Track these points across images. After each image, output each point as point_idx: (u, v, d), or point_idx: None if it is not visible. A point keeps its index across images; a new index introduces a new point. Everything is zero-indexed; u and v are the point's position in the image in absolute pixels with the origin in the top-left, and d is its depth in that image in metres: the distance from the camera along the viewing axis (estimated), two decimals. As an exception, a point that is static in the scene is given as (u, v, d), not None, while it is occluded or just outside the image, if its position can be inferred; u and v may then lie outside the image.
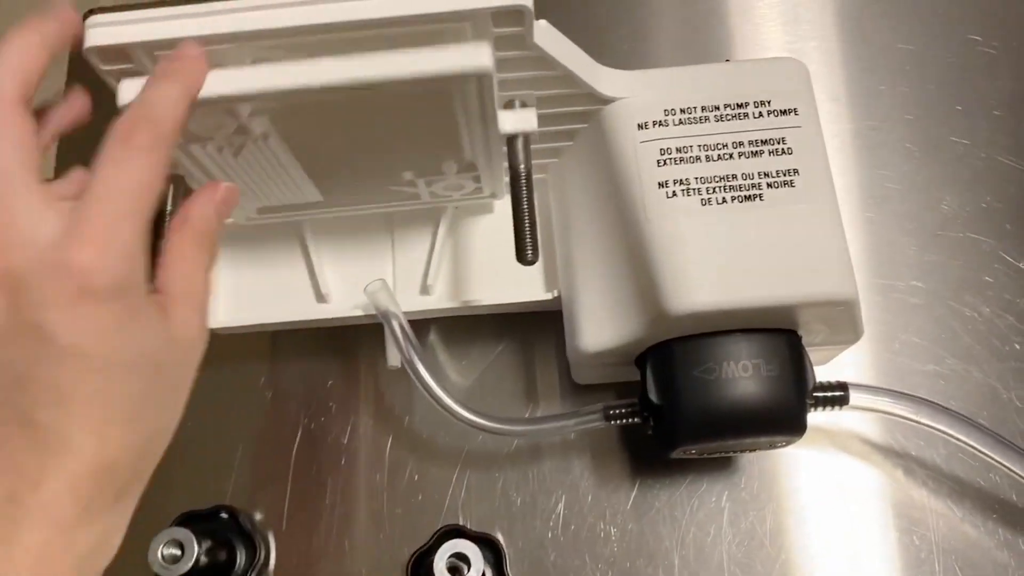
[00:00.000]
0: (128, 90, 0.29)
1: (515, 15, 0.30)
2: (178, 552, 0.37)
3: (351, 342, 0.44)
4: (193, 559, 0.36)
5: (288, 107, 0.31)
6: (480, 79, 0.30)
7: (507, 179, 0.38)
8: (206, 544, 0.37)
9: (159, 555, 0.36)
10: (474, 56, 0.29)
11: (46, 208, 0.25)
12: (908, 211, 0.45)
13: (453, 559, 0.36)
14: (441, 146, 0.35)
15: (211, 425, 0.43)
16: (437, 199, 0.40)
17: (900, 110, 0.48)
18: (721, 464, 0.42)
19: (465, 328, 0.44)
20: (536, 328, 0.44)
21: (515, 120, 0.33)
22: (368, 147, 0.34)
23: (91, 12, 0.30)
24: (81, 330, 0.24)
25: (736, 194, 0.33)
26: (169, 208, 0.34)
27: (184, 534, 0.36)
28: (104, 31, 0.30)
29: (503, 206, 0.42)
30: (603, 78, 0.35)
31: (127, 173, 0.25)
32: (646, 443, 0.42)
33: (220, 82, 0.29)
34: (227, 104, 0.30)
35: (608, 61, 0.35)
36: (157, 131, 0.26)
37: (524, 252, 0.33)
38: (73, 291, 0.24)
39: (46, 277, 0.24)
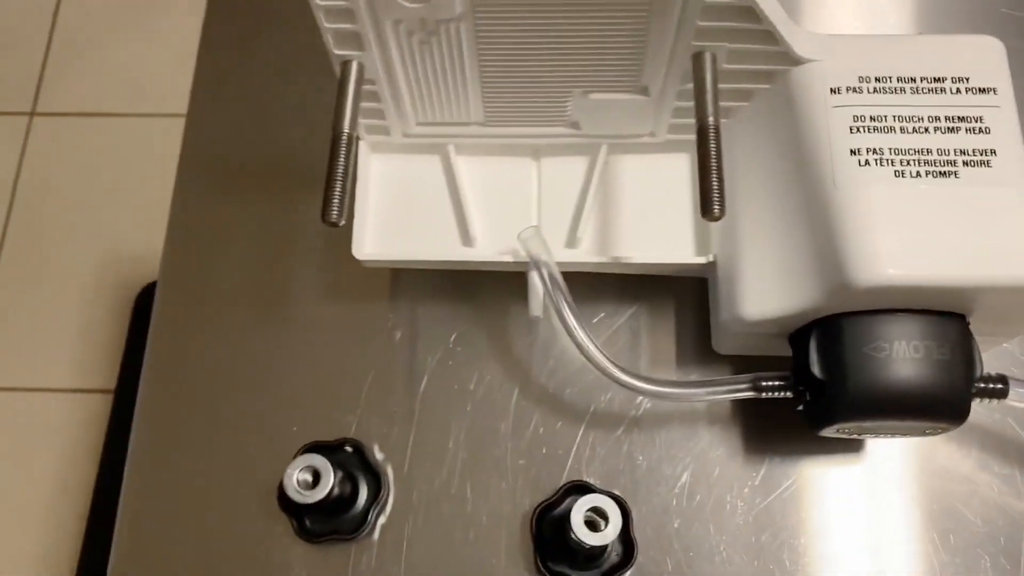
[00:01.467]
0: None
1: (736, -41, 0.29)
2: (310, 478, 0.36)
3: (481, 287, 0.43)
4: (328, 487, 0.36)
5: None
6: None
7: (674, 121, 0.38)
8: (338, 475, 0.37)
9: (294, 480, 0.36)
10: None
11: None
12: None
13: (591, 513, 0.36)
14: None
15: (338, 359, 0.43)
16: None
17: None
18: (850, 446, 0.41)
19: (595, 287, 0.43)
20: (657, 294, 0.43)
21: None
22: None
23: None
24: None
25: (931, 169, 0.32)
26: (347, 131, 0.33)
27: (321, 461, 0.36)
28: None
29: (656, 162, 0.41)
30: (799, 38, 0.34)
31: None
32: (773, 419, 0.41)
33: None
34: None
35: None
36: None
37: (711, 206, 0.32)
38: None
39: None
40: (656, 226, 0.40)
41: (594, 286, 0.43)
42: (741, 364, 0.42)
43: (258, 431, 0.42)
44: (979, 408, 0.41)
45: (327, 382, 0.42)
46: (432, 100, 0.37)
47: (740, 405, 0.42)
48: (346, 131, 0.33)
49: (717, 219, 0.32)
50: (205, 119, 0.48)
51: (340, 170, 0.32)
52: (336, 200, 0.32)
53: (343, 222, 0.32)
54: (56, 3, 1.37)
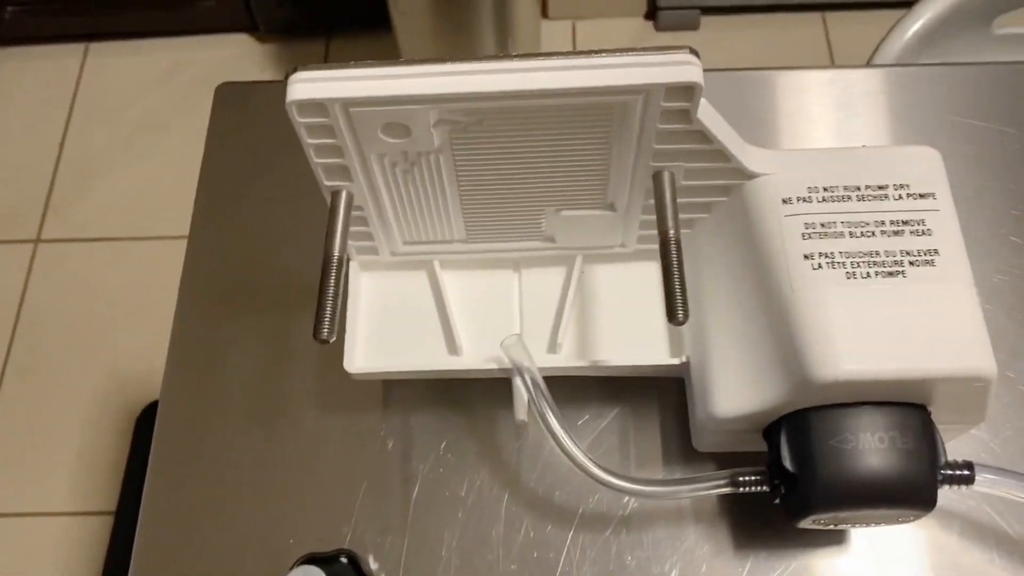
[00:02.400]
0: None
1: (686, 90, 0.32)
2: (307, 591, 0.37)
3: (468, 395, 0.45)
4: (324, 598, 0.37)
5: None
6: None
7: (642, 232, 0.41)
8: (333, 585, 0.38)
9: (291, 592, 0.37)
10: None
11: None
12: (1017, 302, 0.47)
13: (580, 614, 0.37)
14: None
15: (333, 470, 0.44)
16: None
17: (1008, 206, 0.49)
18: (833, 538, 0.42)
19: (576, 391, 0.45)
20: (640, 394, 0.45)
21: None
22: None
23: (295, 69, 0.33)
24: None
25: (880, 269, 0.35)
26: (336, 254, 0.36)
27: (317, 573, 0.37)
28: (305, 87, 0.32)
29: (628, 271, 0.43)
30: (750, 155, 0.37)
31: None
32: (757, 514, 0.42)
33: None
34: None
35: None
36: None
37: (676, 312, 0.34)
38: None
39: None
40: (632, 330, 0.42)
41: (578, 388, 0.45)
42: (727, 460, 0.43)
43: (256, 545, 0.43)
44: (954, 495, 0.42)
45: (323, 493, 0.43)
46: (416, 222, 0.40)
47: (724, 500, 0.43)
48: (336, 255, 0.35)
49: (681, 323, 0.34)
50: (205, 242, 0.51)
51: (331, 291, 0.35)
52: (327, 319, 0.34)
53: (333, 338, 0.35)
54: (63, 134, 1.43)
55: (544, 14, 1.54)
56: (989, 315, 0.46)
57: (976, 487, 0.37)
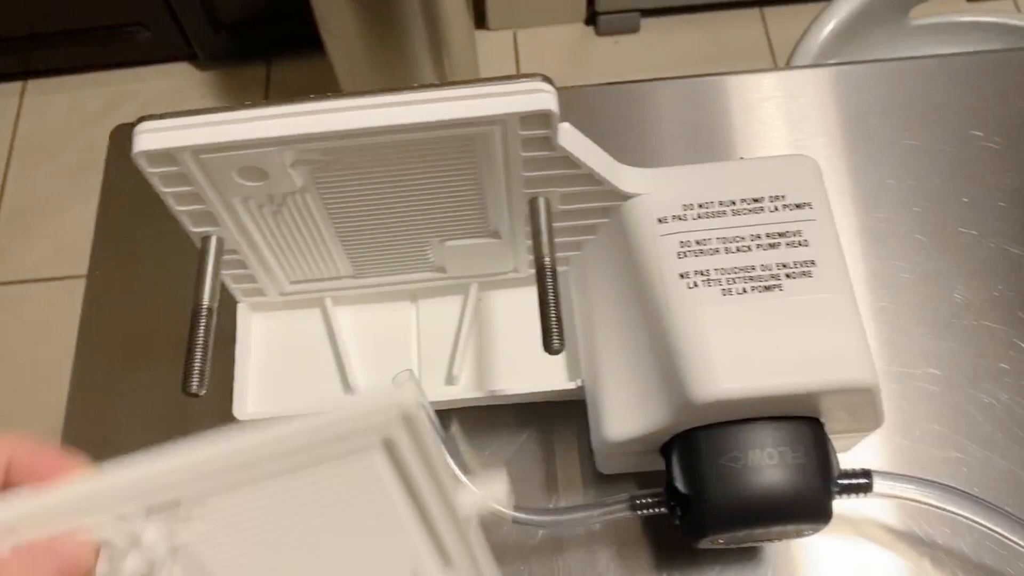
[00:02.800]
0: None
1: (542, 118, 0.32)
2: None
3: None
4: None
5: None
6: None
7: (531, 263, 0.40)
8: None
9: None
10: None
11: None
12: (921, 300, 0.46)
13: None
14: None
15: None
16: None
17: (909, 203, 0.49)
18: (747, 554, 0.41)
19: (487, 418, 0.44)
20: (557, 417, 0.44)
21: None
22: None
23: (141, 119, 0.32)
24: None
25: (756, 284, 0.34)
26: (206, 304, 0.35)
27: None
28: (151, 137, 0.31)
29: (524, 295, 0.43)
30: (623, 175, 0.36)
31: None
32: (671, 533, 0.41)
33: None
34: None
35: (622, 160, 0.37)
36: None
37: (551, 341, 0.34)
38: None
39: None
40: (529, 356, 0.41)
41: (487, 416, 0.44)
42: (652, 479, 0.43)
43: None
44: (881, 511, 0.42)
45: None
46: (298, 261, 0.40)
47: (635, 522, 0.42)
48: (205, 304, 0.35)
49: (557, 352, 0.34)
50: (104, 287, 0.50)
51: (199, 342, 0.34)
52: (196, 371, 0.34)
53: (203, 392, 0.34)
54: (3, 174, 1.41)
55: (484, 25, 1.53)
56: (891, 314, 0.46)
57: (876, 494, 0.37)
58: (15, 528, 0.23)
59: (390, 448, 0.25)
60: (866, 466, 0.37)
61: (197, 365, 0.34)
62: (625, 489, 0.43)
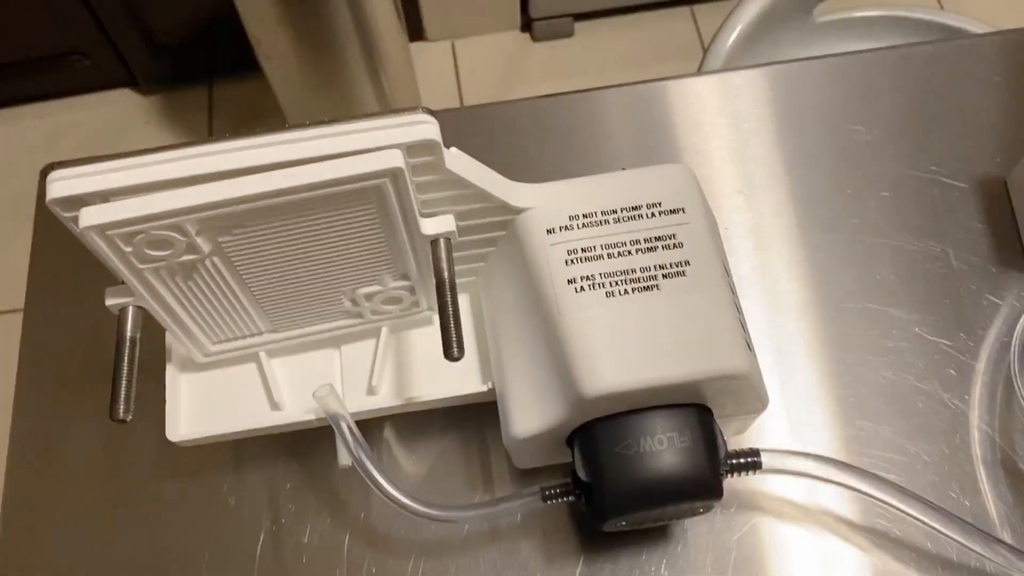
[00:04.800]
0: (89, 216, 0.32)
1: (426, 147, 0.35)
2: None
3: (308, 444, 0.47)
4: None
5: (226, 225, 0.34)
6: (396, 178, 0.34)
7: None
8: (174, 648, 0.39)
9: (129, 661, 0.38)
10: (387, 159, 0.33)
11: None
12: (813, 287, 0.50)
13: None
14: (372, 256, 0.39)
15: (178, 534, 0.45)
16: (379, 315, 0.43)
17: (798, 197, 0.53)
18: (658, 533, 0.44)
19: (417, 423, 0.47)
20: (482, 418, 0.47)
21: (435, 225, 0.38)
22: (305, 261, 0.38)
23: (51, 166, 0.34)
24: None
25: (636, 285, 0.37)
26: (130, 334, 0.37)
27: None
28: (64, 184, 0.33)
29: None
30: (514, 192, 0.39)
31: None
32: (587, 518, 0.45)
33: (162, 200, 0.33)
34: (171, 219, 0.33)
35: (556, 173, 0.40)
36: None
37: (450, 349, 0.36)
38: None
39: None
40: (446, 364, 0.44)
41: (422, 422, 0.47)
42: (567, 472, 0.45)
43: (110, 617, 0.44)
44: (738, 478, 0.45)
45: (167, 558, 0.45)
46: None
47: (560, 511, 0.45)
48: (128, 335, 0.37)
49: (456, 360, 0.36)
50: (42, 320, 0.52)
51: (124, 370, 0.36)
52: (122, 397, 0.36)
53: (130, 418, 0.36)
54: (-50, 213, 1.41)
55: (422, 36, 1.56)
56: (786, 302, 0.49)
57: (765, 470, 0.40)
58: None
59: (377, 192, 0.34)
60: (758, 445, 0.41)
61: (123, 391, 0.36)
62: (549, 480, 0.46)
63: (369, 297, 0.42)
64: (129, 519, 0.46)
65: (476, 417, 0.47)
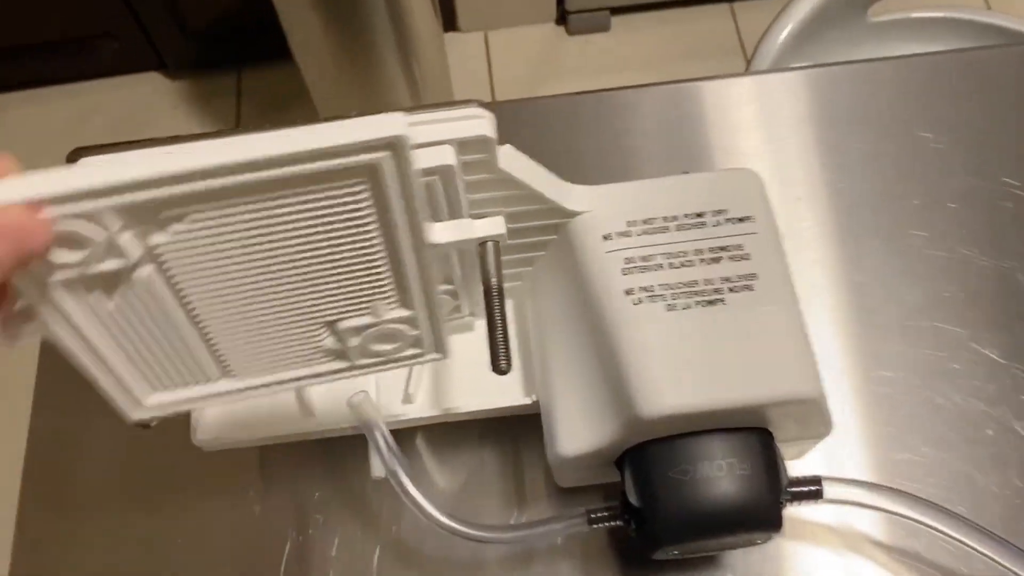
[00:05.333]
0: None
1: (479, 143, 0.32)
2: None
3: (338, 452, 0.45)
4: None
5: (161, 215, 0.26)
6: (396, 153, 0.26)
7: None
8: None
9: None
10: (385, 125, 0.25)
11: None
12: (874, 303, 0.47)
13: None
14: (360, 272, 0.30)
15: (200, 541, 0.43)
16: (369, 359, 0.34)
17: (861, 206, 0.50)
18: (708, 562, 0.42)
19: (451, 434, 0.45)
20: (521, 431, 0.45)
21: (485, 227, 0.34)
22: (270, 278, 0.29)
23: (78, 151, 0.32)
24: None
25: (699, 299, 0.35)
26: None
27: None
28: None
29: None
30: (568, 194, 0.37)
31: None
32: (634, 543, 0.42)
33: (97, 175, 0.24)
34: (82, 201, 0.24)
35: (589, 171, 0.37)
36: None
37: (498, 362, 0.34)
38: None
39: None
40: (486, 374, 0.42)
41: (456, 432, 0.45)
42: (609, 491, 0.43)
43: (127, 626, 0.42)
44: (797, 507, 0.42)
45: (188, 565, 0.43)
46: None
47: (600, 533, 0.43)
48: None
49: (504, 373, 0.34)
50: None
51: (150, 373, 0.34)
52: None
53: (155, 422, 0.34)
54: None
55: (455, 27, 1.53)
56: (846, 318, 0.46)
57: (826, 500, 0.38)
58: None
59: (373, 176, 0.26)
60: (818, 472, 0.38)
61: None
62: (589, 501, 0.43)
63: (356, 332, 0.33)
64: (148, 523, 0.44)
65: (513, 429, 0.45)
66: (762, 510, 0.35)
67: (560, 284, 0.39)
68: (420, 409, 0.42)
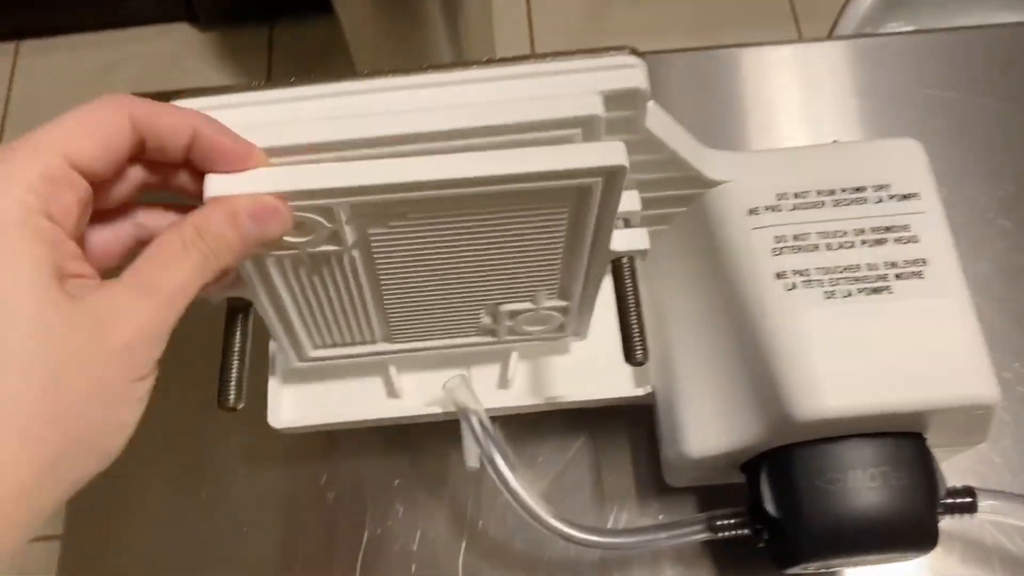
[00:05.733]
0: (215, 185, 0.25)
1: (628, 97, 0.28)
2: None
3: (418, 438, 0.41)
4: None
5: (386, 214, 0.27)
6: (612, 179, 0.26)
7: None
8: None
9: None
10: (610, 154, 0.26)
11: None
12: (1007, 294, 0.43)
13: None
14: (538, 269, 0.31)
15: (270, 530, 0.40)
16: (515, 336, 0.36)
17: (991, 187, 0.45)
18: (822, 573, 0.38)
19: (532, 424, 0.41)
20: (608, 422, 0.41)
21: (623, 240, 0.31)
22: (458, 269, 0.31)
23: (169, 96, 0.28)
24: None
25: (862, 286, 0.30)
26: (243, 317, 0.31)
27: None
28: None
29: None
30: (709, 161, 0.32)
31: None
32: (740, 551, 0.38)
33: (334, 175, 0.25)
34: (325, 200, 0.26)
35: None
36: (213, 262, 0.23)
37: (635, 352, 0.30)
38: None
39: None
40: (590, 359, 0.38)
41: (538, 420, 0.41)
42: (706, 492, 0.39)
43: (188, 619, 0.39)
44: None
45: (255, 554, 0.39)
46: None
47: (700, 536, 0.39)
48: (238, 326, 0.31)
49: (640, 364, 0.30)
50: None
51: (236, 348, 0.30)
52: (233, 382, 0.30)
53: (241, 405, 0.30)
54: (-1, 142, 1.36)
55: (497, -15, 1.48)
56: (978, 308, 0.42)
57: (979, 515, 0.34)
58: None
59: (582, 196, 0.27)
60: (965, 483, 0.34)
61: (234, 374, 0.30)
62: (685, 502, 0.40)
63: (513, 315, 0.34)
64: (213, 509, 0.40)
65: (599, 420, 0.41)
66: (919, 525, 0.31)
67: (690, 264, 0.34)
68: (518, 397, 0.38)
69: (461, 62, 0.27)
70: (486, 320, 0.34)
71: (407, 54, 1.15)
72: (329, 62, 1.40)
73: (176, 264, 0.23)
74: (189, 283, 0.23)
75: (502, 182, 0.26)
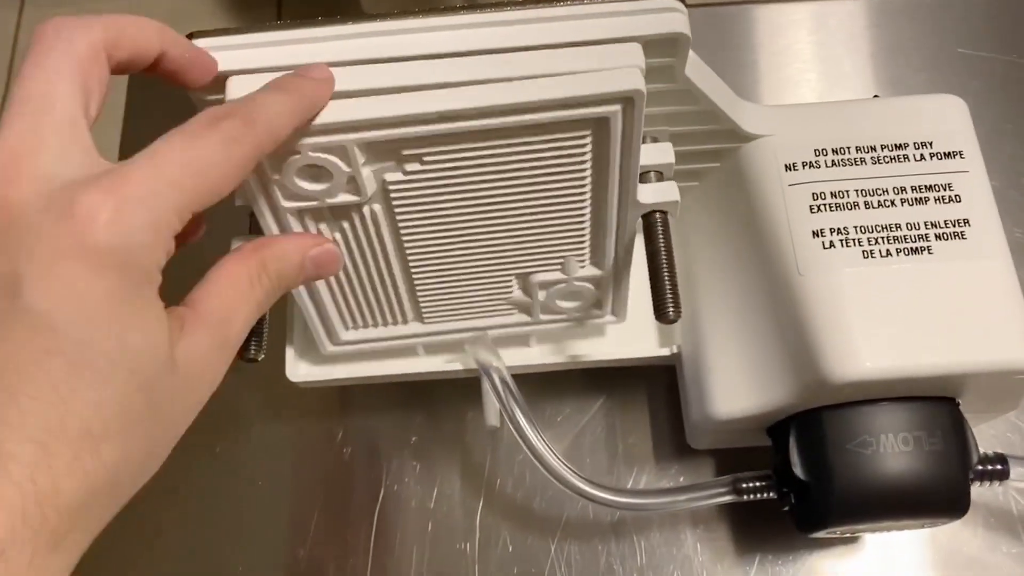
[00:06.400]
0: (238, 87, 0.25)
1: (669, 44, 0.27)
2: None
3: (435, 393, 0.40)
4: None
5: (401, 154, 0.26)
6: (630, 107, 0.26)
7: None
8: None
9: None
10: (622, 79, 0.25)
11: (79, 150, 0.21)
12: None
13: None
14: (565, 224, 0.30)
15: (285, 485, 0.39)
16: (550, 316, 0.35)
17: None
18: (852, 542, 0.38)
19: (551, 382, 0.40)
20: (627, 380, 0.40)
21: (654, 193, 0.30)
22: (482, 224, 0.30)
23: (190, 36, 0.27)
24: (59, 296, 0.19)
25: (902, 246, 0.30)
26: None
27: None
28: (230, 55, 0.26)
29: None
30: (746, 114, 0.31)
31: (196, 148, 0.21)
32: (760, 515, 0.38)
33: (348, 109, 0.25)
34: (343, 135, 0.25)
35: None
36: (250, 128, 0.22)
37: (666, 309, 0.29)
38: (67, 240, 0.19)
39: (43, 217, 0.19)
40: (611, 317, 0.37)
41: (557, 379, 0.40)
42: (726, 455, 0.39)
43: (202, 571, 0.38)
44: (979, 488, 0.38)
45: (274, 512, 0.39)
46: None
47: (722, 499, 0.38)
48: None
49: (673, 322, 0.29)
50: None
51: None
52: (254, 334, 0.29)
53: (262, 357, 0.29)
54: (3, 92, 1.35)
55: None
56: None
57: (1011, 481, 0.33)
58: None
59: (601, 129, 0.26)
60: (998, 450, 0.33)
61: (255, 327, 0.29)
62: (705, 465, 0.39)
63: (545, 286, 0.33)
64: (227, 463, 0.40)
65: (618, 378, 0.40)
66: (952, 490, 0.30)
67: (722, 221, 0.33)
68: (540, 354, 0.37)
69: (495, 2, 0.26)
70: (518, 295, 0.34)
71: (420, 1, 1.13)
72: (340, 13, 1.38)
73: (243, 306, 0.23)
74: (250, 322, 0.24)
75: (516, 111, 0.25)
